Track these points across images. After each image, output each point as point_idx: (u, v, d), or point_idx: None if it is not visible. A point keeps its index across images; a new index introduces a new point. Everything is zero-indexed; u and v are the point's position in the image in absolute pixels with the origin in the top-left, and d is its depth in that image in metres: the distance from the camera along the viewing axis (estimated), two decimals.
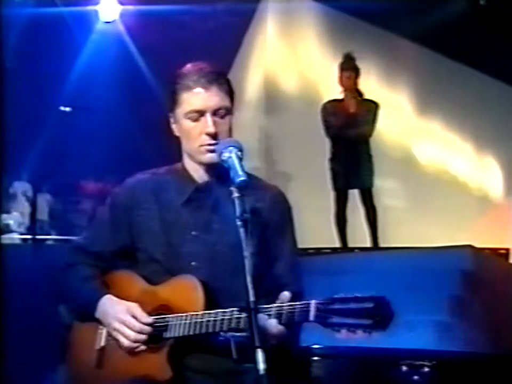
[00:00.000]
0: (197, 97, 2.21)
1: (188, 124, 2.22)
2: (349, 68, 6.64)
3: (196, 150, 2.23)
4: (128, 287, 2.25)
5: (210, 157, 2.19)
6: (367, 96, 6.67)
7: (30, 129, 6.03)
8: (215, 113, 2.21)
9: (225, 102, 2.23)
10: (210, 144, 2.19)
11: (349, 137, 6.54)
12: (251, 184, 2.16)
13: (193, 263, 2.21)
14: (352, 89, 6.63)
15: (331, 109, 6.64)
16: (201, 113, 2.20)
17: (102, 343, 2.23)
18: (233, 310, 2.03)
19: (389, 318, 1.89)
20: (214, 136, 2.19)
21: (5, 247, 4.55)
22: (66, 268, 2.33)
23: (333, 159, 6.65)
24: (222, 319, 2.05)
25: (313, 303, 1.96)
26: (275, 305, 2.01)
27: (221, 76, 2.26)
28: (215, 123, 2.20)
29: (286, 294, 2.03)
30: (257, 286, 1.91)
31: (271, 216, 2.26)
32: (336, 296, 1.93)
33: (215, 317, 2.06)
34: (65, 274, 2.33)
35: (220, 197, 2.18)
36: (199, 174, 2.26)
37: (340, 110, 6.62)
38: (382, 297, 1.90)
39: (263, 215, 2.25)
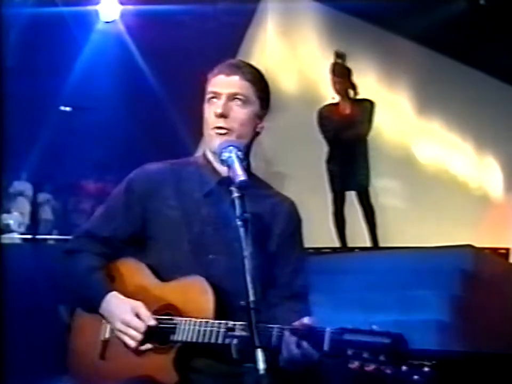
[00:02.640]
0: (217, 81, 2.21)
1: (206, 107, 2.23)
2: (340, 72, 6.71)
3: (208, 136, 2.21)
4: (135, 280, 2.21)
5: (218, 144, 2.16)
6: (365, 94, 6.71)
7: (30, 129, 6.03)
8: (232, 99, 2.19)
9: (245, 90, 2.20)
10: (218, 127, 2.17)
11: (345, 139, 6.59)
12: (266, 193, 2.17)
13: (210, 256, 2.18)
14: (345, 92, 6.69)
15: (326, 113, 6.72)
16: (218, 96, 2.20)
17: (107, 335, 2.19)
18: (244, 324, 1.99)
19: (406, 357, 1.81)
20: (221, 116, 2.16)
21: (5, 247, 4.55)
22: (71, 254, 2.26)
23: (329, 161, 6.71)
24: (233, 330, 2.01)
25: (328, 331, 1.89)
26: (288, 327, 1.97)
27: (247, 66, 2.25)
28: (228, 107, 2.18)
29: (304, 320, 1.99)
30: (264, 292, 1.88)
31: (286, 227, 2.25)
32: (350, 327, 1.86)
33: (226, 328, 2.03)
34: (69, 262, 2.26)
35: None
36: (222, 167, 2.22)
37: (335, 114, 6.70)
38: (399, 334, 1.82)
39: (279, 226, 2.24)
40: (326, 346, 1.89)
